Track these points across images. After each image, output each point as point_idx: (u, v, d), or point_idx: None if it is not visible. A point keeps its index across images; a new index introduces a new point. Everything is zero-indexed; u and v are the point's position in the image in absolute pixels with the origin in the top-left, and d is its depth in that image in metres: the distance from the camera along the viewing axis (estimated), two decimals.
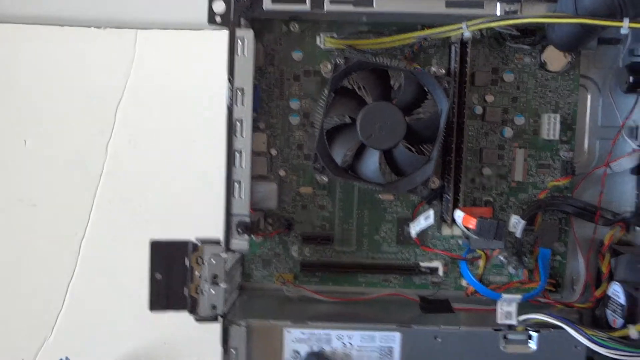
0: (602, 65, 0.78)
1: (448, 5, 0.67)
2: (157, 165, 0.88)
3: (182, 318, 0.85)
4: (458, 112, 0.74)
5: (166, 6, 0.87)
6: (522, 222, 0.74)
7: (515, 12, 0.67)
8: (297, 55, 0.77)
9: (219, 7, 0.67)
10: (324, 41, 0.75)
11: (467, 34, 0.70)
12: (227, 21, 0.67)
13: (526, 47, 0.75)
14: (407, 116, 0.70)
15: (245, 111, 0.67)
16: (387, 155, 0.72)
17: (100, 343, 0.88)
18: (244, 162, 0.68)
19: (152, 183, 0.88)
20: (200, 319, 0.71)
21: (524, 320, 0.70)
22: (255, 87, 0.76)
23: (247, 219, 0.68)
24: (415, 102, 0.71)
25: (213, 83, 0.80)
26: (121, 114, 0.87)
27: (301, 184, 0.79)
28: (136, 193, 0.88)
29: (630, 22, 0.60)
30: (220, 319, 0.70)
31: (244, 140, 0.67)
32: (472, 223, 0.69)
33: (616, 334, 0.68)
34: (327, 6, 0.68)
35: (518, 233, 0.74)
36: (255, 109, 0.76)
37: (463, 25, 0.69)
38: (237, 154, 0.67)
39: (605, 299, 0.75)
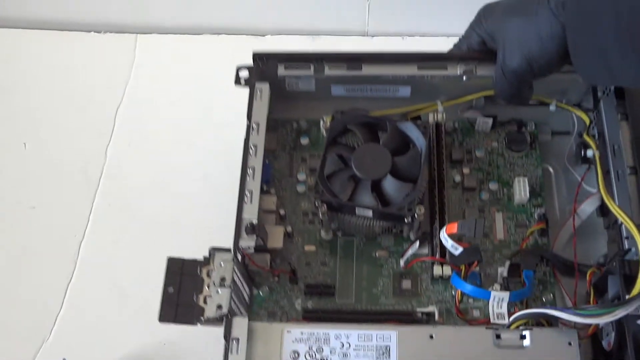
0: (559, 152, 0.93)
1: (419, 68, 0.87)
2: (156, 169, 0.91)
3: None
4: (438, 178, 0.88)
5: (166, 11, 0.95)
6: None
7: (471, 71, 0.86)
8: (304, 140, 0.94)
9: (244, 73, 0.87)
10: (326, 122, 0.92)
11: (441, 109, 0.89)
12: (249, 83, 0.87)
13: (489, 119, 0.91)
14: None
15: (259, 138, 0.82)
16: (377, 189, 0.83)
17: (98, 345, 0.86)
18: (255, 176, 0.80)
19: (151, 186, 0.91)
20: (207, 320, 0.74)
21: (516, 318, 0.73)
22: (267, 166, 0.92)
23: (255, 221, 0.78)
24: (399, 149, 0.85)
25: (212, 87, 0.86)
26: (121, 118, 0.92)
27: (306, 243, 0.88)
28: (135, 196, 0.91)
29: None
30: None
31: (257, 160, 0.81)
32: (454, 228, 0.78)
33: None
34: (327, 71, 0.88)
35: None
36: (266, 181, 0.91)
37: (437, 102, 0.89)
38: (250, 170, 0.81)
39: (599, 332, 0.78)
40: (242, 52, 0.93)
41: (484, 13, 0.81)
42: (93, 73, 0.99)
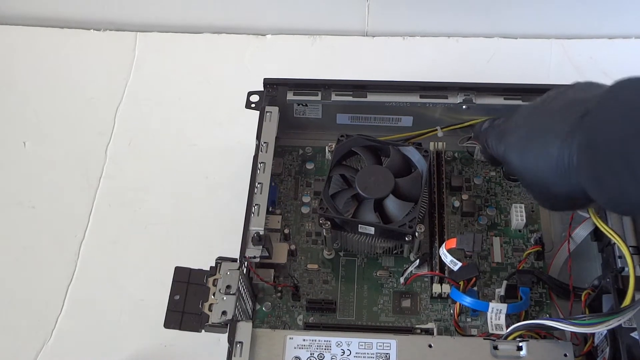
0: None
1: (421, 97, 0.92)
2: (156, 169, 0.91)
3: None
4: (438, 203, 0.91)
5: (166, 9, 0.94)
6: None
7: (470, 99, 0.91)
8: (310, 165, 0.98)
9: (254, 98, 0.91)
10: (331, 147, 0.96)
11: (441, 134, 0.94)
12: (259, 107, 0.91)
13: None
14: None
15: (267, 157, 0.86)
16: (380, 208, 0.86)
17: (99, 346, 0.86)
18: (262, 191, 0.84)
19: (151, 187, 0.91)
20: (211, 325, 0.76)
21: (513, 330, 0.75)
22: (273, 188, 0.95)
23: (262, 232, 0.81)
24: (401, 171, 0.89)
25: (213, 86, 0.84)
26: (121, 117, 0.92)
27: (309, 262, 0.91)
28: (135, 196, 0.91)
29: None
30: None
31: (264, 176, 0.85)
32: (454, 243, 0.81)
33: None
34: (333, 97, 0.93)
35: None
36: (272, 203, 0.94)
37: (438, 128, 0.94)
38: (258, 185, 0.84)
39: (594, 350, 0.79)
40: (243, 51, 0.96)
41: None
42: (93, 71, 0.99)
